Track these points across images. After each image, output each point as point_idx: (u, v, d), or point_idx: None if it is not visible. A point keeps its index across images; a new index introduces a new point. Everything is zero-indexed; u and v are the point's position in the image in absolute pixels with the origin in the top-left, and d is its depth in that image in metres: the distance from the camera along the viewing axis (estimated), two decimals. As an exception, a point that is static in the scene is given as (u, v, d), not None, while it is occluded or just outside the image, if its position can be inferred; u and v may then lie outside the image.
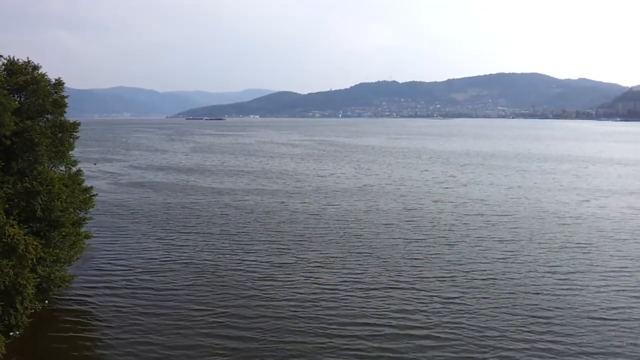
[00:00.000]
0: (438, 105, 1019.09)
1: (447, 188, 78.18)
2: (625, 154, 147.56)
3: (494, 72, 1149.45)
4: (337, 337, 26.98)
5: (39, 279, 28.34)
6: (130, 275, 36.76)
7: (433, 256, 41.32)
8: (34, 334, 27.27)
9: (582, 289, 33.90)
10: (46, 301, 30.86)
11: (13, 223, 26.38)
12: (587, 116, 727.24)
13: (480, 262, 39.68)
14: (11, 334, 26.23)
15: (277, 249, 43.62)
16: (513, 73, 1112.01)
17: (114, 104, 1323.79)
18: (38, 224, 30.28)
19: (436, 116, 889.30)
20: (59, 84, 35.96)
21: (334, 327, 28.14)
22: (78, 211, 35.11)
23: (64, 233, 31.55)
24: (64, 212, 31.13)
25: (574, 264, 39.30)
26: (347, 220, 54.58)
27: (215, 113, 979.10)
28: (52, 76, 35.64)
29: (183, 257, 41.02)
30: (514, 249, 43.53)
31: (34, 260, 26.74)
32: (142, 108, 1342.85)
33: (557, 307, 30.71)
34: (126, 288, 34.23)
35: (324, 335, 27.13)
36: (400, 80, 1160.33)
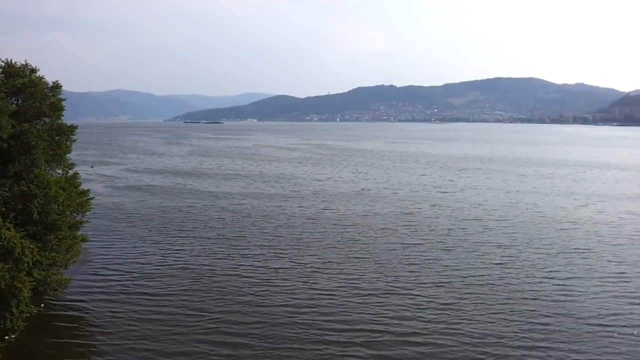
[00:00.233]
0: (435, 110, 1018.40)
1: (444, 192, 78.17)
2: (623, 158, 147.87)
3: (491, 76, 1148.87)
4: (334, 343, 26.83)
5: (35, 283, 28.22)
6: (125, 280, 36.57)
7: (430, 261, 41.27)
8: (30, 337, 27.08)
9: (580, 295, 33.86)
10: (42, 305, 30.69)
11: (9, 226, 26.27)
12: (584, 121, 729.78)
13: (478, 267, 39.63)
14: (6, 337, 26.11)
15: (274, 253, 43.48)
16: (510, 78, 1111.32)
17: (111, 107, 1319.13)
18: (34, 227, 30.20)
19: (434, 120, 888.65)
20: (56, 86, 36.02)
21: (330, 333, 27.98)
22: (75, 214, 35.14)
23: (60, 236, 31.47)
24: (60, 215, 31.10)
25: (572, 269, 39.28)
26: (345, 225, 54.50)
27: (213, 116, 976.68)
28: (49, 79, 35.90)
29: (179, 262, 40.85)
30: (512, 254, 43.50)
31: (30, 264, 26.60)
32: (140, 111, 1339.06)
33: (555, 313, 30.64)
34: (122, 293, 34.03)
35: (320, 342, 26.96)
36: (398, 85, 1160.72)
